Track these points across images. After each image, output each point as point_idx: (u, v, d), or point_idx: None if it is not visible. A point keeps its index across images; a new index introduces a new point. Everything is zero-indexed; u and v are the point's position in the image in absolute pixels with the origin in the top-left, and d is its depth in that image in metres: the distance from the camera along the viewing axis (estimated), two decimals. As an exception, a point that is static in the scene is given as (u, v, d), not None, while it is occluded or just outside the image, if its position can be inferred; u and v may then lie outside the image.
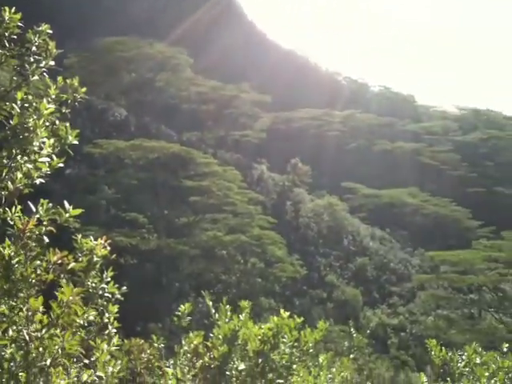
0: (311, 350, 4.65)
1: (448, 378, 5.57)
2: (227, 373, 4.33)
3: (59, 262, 3.27)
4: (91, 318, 3.48)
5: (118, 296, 3.83)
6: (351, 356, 8.67)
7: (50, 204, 3.27)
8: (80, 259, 3.56)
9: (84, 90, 3.71)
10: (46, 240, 3.25)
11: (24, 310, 3.15)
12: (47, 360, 3.10)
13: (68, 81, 3.65)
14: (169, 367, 4.54)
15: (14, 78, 3.56)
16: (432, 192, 60.33)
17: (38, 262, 3.20)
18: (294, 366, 4.41)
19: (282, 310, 4.61)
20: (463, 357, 5.74)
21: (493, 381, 5.37)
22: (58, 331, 3.12)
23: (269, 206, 48.27)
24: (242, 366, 4.31)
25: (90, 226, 26.80)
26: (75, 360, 3.48)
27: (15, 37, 3.54)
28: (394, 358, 34.41)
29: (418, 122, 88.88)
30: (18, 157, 3.34)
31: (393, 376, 21.43)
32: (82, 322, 3.32)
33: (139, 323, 26.74)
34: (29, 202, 3.28)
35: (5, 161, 3.32)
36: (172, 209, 40.16)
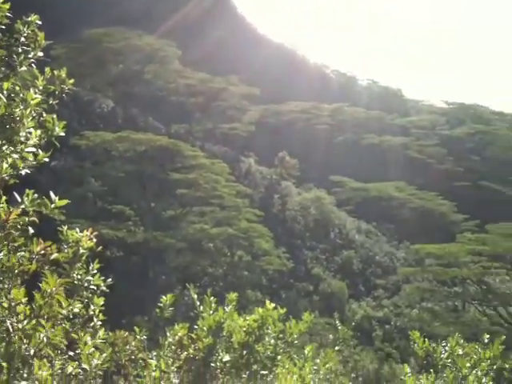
0: (296, 342, 4.69)
1: (431, 369, 5.65)
2: (212, 364, 4.37)
3: (42, 252, 3.26)
4: (76, 310, 3.49)
5: (104, 288, 3.84)
6: (336, 348, 8.74)
7: (36, 195, 3.27)
8: (66, 251, 3.56)
9: (72, 81, 3.70)
10: (31, 231, 3.25)
11: (7, 300, 3.14)
12: (31, 350, 3.10)
13: (56, 72, 3.63)
14: (152, 359, 4.56)
15: (2, 68, 3.54)
16: (419, 186, 60.70)
17: (22, 253, 3.20)
18: (279, 358, 4.45)
19: (267, 302, 4.64)
20: (446, 348, 5.83)
21: (474, 371, 5.47)
22: (43, 322, 3.12)
23: (256, 199, 48.30)
24: (226, 358, 4.34)
25: (76, 219, 26.60)
26: (59, 352, 3.48)
27: (3, 27, 3.52)
28: (378, 349, 34.72)
29: (406, 116, 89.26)
30: (4, 147, 3.32)
31: (377, 368, 21.64)
32: (65, 312, 3.32)
33: (125, 316, 26.69)
34: (14, 193, 3.27)
35: (-10, 151, 3.31)
36: (159, 201, 40.04)
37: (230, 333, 4.46)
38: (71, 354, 3.56)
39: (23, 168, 3.33)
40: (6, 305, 3.14)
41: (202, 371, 4.38)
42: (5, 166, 3.28)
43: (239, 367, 4.39)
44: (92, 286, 3.71)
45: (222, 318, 4.47)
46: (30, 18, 3.58)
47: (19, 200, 3.23)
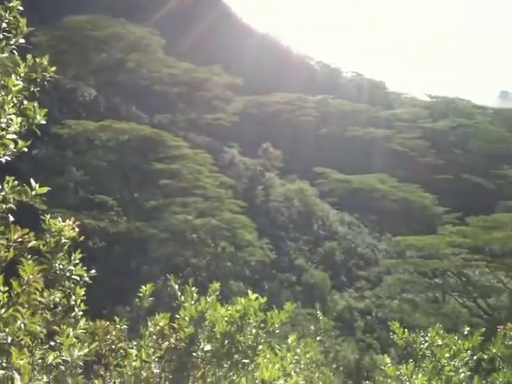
0: (278, 332, 4.72)
1: (411, 360, 5.74)
2: (193, 354, 4.38)
3: (20, 239, 3.23)
4: (56, 299, 3.47)
5: (86, 279, 3.81)
6: (318, 338, 8.81)
7: (16, 182, 3.24)
8: (48, 240, 3.53)
9: (53, 69, 3.66)
10: (12, 219, 3.22)
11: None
12: (8, 339, 3.08)
13: (37, 59, 3.58)
14: (132, 348, 4.56)
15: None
16: (401, 178, 61.18)
17: (0, 241, 3.16)
18: (260, 347, 4.48)
19: (250, 292, 4.66)
20: (426, 338, 5.92)
21: (453, 362, 5.56)
22: (23, 310, 3.10)
23: (240, 190, 48.28)
24: (207, 347, 4.36)
25: (57, 208, 26.31)
26: (40, 342, 3.46)
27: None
28: (359, 340, 35.05)
29: (389, 108, 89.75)
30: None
31: (358, 358, 21.85)
32: (43, 300, 3.30)
33: (107, 306, 26.58)
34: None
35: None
36: (142, 192, 39.82)
37: (212, 323, 4.47)
38: (52, 343, 3.54)
39: (4, 155, 3.29)
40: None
41: (183, 361, 4.39)
42: (-15, 153, 3.24)
43: (221, 357, 4.41)
44: (74, 276, 3.69)
45: (204, 308, 4.47)
46: (11, 4, 3.53)
47: (-1, 187, 3.19)
